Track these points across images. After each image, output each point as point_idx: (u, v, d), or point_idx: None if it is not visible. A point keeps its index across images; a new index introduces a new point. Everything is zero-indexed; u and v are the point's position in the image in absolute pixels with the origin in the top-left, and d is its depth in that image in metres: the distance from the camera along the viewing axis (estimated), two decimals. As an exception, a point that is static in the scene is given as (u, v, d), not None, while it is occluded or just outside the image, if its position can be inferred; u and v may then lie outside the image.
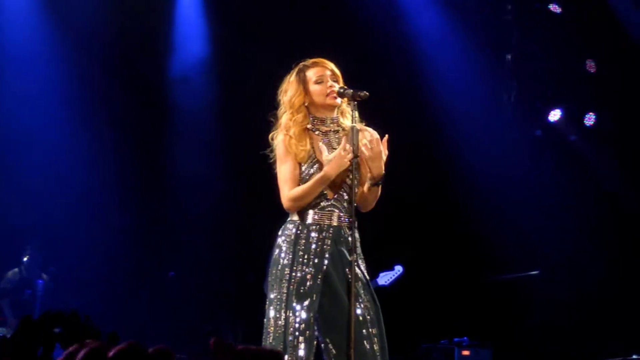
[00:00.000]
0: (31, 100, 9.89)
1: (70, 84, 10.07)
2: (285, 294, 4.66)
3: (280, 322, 4.63)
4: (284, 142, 4.82)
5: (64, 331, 2.39)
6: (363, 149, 4.73)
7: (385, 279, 8.68)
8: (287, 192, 4.79)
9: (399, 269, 8.79)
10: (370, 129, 4.91)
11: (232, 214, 10.64)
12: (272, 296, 4.72)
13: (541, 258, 10.13)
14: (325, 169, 4.71)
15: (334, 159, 4.71)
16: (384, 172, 4.79)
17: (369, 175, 4.81)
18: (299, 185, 4.79)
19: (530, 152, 10.53)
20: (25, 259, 9.81)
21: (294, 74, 4.97)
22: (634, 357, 9.15)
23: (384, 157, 4.79)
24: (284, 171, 4.81)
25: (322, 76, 4.89)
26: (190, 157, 10.50)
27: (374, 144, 4.77)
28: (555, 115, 10.59)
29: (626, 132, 10.21)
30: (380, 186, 4.84)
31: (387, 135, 4.85)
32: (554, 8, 10.43)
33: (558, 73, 10.47)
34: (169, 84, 10.61)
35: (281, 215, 4.92)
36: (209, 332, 10.41)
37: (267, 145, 4.97)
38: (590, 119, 10.51)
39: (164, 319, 10.11)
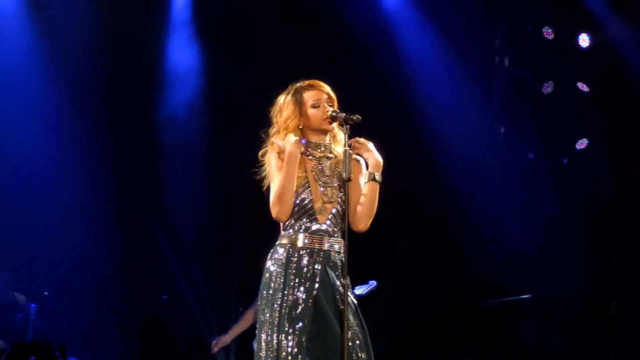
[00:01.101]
0: (20, 123, 9.91)
1: (59, 109, 10.09)
2: (277, 318, 4.63)
3: (272, 347, 4.60)
4: (276, 166, 4.81)
5: None
6: (354, 145, 4.77)
7: (360, 290, 8.77)
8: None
9: (372, 282, 8.89)
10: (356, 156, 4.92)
11: (223, 239, 10.64)
12: (263, 319, 4.70)
13: (533, 281, 10.13)
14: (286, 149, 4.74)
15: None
16: (381, 160, 4.82)
17: (368, 171, 4.83)
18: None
19: (522, 175, 10.56)
20: None
21: (290, 94, 4.95)
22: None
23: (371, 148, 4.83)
24: (275, 183, 4.81)
25: (318, 100, 4.88)
26: (183, 181, 10.51)
27: (358, 141, 4.81)
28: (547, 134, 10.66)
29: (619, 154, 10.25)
30: (378, 186, 4.85)
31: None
32: (547, 34, 10.50)
33: (549, 96, 10.53)
34: (161, 110, 10.65)
35: (271, 240, 4.91)
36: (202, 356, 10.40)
37: (256, 173, 4.95)
38: (582, 144, 10.55)
39: (157, 342, 10.08)
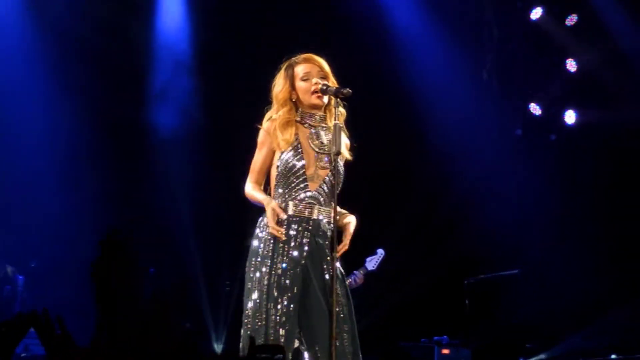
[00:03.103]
0: (10, 98, 9.89)
1: (49, 82, 10.06)
2: (266, 286, 4.65)
3: (260, 314, 4.62)
4: (266, 130, 4.86)
5: (37, 332, 2.38)
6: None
7: (372, 263, 8.79)
8: (248, 181, 4.92)
9: (381, 252, 8.90)
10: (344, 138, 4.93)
11: (213, 211, 10.64)
12: (251, 286, 4.72)
13: (521, 257, 10.16)
14: (266, 203, 4.76)
15: (268, 205, 4.74)
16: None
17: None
18: (262, 176, 4.91)
19: (511, 150, 10.58)
20: None
21: (283, 68, 4.99)
22: (613, 357, 9.20)
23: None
24: (255, 160, 4.93)
25: (308, 73, 4.90)
26: (175, 156, 10.49)
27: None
28: (535, 110, 10.65)
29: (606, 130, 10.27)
30: None
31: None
32: (535, 13, 10.49)
33: (538, 72, 10.54)
34: (153, 84, 10.63)
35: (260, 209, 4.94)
36: (188, 330, 10.41)
37: (250, 154, 4.99)
38: (570, 117, 10.53)
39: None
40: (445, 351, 9.43)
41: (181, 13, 10.61)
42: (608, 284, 9.82)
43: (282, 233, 4.69)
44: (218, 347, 10.23)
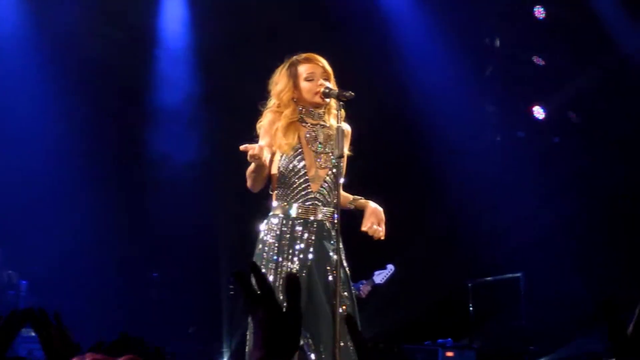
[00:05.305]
0: (10, 102, 9.88)
1: (52, 87, 10.05)
2: (270, 289, 4.65)
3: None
4: (265, 129, 4.82)
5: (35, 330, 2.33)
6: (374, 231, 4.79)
7: (380, 277, 8.80)
8: None
9: (391, 267, 8.92)
10: (344, 124, 4.90)
11: (215, 214, 10.63)
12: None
13: (525, 259, 10.15)
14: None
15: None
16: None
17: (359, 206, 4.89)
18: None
19: (514, 153, 10.57)
20: None
21: (286, 67, 4.95)
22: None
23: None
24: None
25: (312, 73, 4.87)
26: (175, 157, 10.48)
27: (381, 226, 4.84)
28: (538, 114, 10.64)
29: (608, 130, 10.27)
30: None
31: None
32: (538, 12, 10.47)
33: (541, 74, 10.53)
34: (153, 87, 10.62)
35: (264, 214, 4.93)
36: (192, 333, 10.42)
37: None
38: (573, 117, 10.53)
39: (147, 319, 10.08)
40: (450, 354, 9.42)
41: (184, 34, 10.60)
42: (614, 285, 9.81)
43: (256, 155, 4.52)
44: (226, 353, 10.22)
